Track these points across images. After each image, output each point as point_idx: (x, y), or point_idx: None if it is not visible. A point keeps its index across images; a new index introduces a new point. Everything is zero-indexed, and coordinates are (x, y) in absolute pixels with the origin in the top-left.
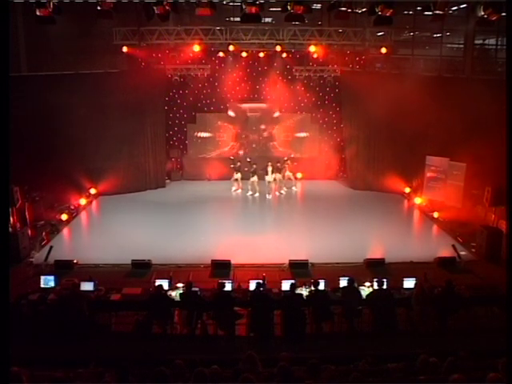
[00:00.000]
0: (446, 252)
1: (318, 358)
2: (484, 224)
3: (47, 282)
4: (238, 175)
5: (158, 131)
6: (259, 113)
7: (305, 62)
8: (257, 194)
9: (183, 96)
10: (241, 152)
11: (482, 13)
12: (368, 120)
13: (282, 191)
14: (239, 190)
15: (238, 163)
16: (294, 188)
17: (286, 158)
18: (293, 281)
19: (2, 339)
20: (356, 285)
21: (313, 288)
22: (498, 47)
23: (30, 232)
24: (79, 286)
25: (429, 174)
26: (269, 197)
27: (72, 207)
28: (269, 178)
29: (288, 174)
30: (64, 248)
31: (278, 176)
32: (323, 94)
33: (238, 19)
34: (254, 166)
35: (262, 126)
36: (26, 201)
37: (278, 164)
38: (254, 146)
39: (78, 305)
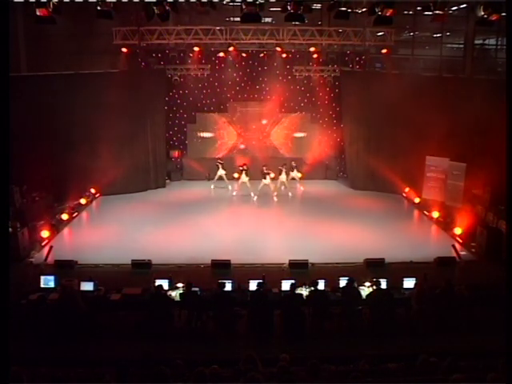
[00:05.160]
0: (445, 252)
1: (318, 357)
2: (484, 224)
3: (47, 282)
4: (222, 171)
5: (158, 131)
6: (259, 113)
7: (305, 61)
8: (234, 193)
9: (183, 96)
10: (242, 146)
11: (482, 13)
12: (368, 120)
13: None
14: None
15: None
16: (301, 188)
17: (293, 164)
18: (293, 281)
19: (2, 339)
20: (356, 285)
21: (312, 288)
22: (498, 47)
23: (29, 232)
24: (73, 285)
25: (429, 174)
26: (254, 196)
27: (72, 207)
28: (266, 181)
29: (294, 174)
30: (64, 248)
31: (283, 178)
32: (323, 94)
33: (238, 19)
34: (245, 167)
35: (262, 124)
36: (26, 201)
37: (283, 167)
38: (254, 142)
39: (73, 303)
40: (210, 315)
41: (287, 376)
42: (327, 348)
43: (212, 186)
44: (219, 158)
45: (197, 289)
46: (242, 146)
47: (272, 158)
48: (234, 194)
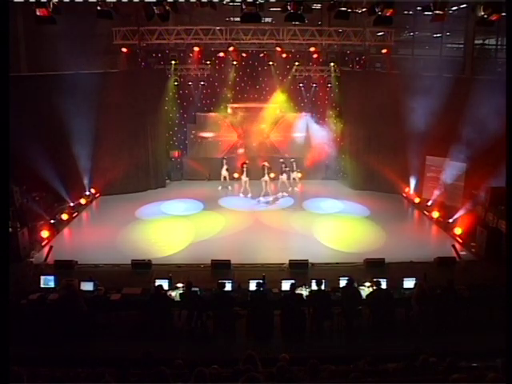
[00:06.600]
0: (445, 252)
1: (318, 357)
2: (484, 224)
3: (47, 281)
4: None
5: (158, 131)
6: (259, 113)
7: (305, 61)
8: (249, 195)
9: (183, 96)
10: (241, 151)
11: (482, 13)
12: (368, 120)
13: (284, 193)
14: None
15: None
16: (296, 188)
17: (292, 160)
18: (293, 281)
19: (1, 339)
20: (356, 285)
21: (316, 287)
22: (498, 47)
23: (29, 232)
24: (75, 284)
25: (429, 174)
26: (263, 199)
27: (72, 207)
28: (266, 178)
29: (295, 174)
30: (64, 248)
31: (283, 177)
32: (323, 94)
33: (238, 19)
34: (246, 166)
35: (262, 126)
36: (26, 201)
37: (283, 165)
38: (254, 144)
39: (75, 303)
40: (210, 315)
41: (287, 376)
42: (327, 348)
43: (229, 188)
44: (224, 158)
45: (197, 289)
46: (241, 151)
47: (272, 158)
48: (220, 188)
